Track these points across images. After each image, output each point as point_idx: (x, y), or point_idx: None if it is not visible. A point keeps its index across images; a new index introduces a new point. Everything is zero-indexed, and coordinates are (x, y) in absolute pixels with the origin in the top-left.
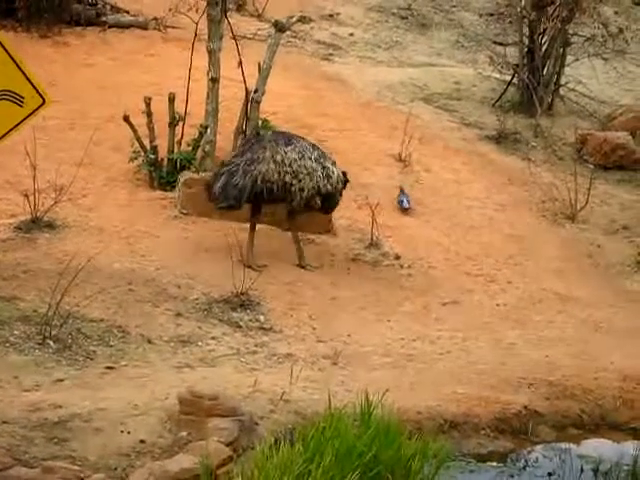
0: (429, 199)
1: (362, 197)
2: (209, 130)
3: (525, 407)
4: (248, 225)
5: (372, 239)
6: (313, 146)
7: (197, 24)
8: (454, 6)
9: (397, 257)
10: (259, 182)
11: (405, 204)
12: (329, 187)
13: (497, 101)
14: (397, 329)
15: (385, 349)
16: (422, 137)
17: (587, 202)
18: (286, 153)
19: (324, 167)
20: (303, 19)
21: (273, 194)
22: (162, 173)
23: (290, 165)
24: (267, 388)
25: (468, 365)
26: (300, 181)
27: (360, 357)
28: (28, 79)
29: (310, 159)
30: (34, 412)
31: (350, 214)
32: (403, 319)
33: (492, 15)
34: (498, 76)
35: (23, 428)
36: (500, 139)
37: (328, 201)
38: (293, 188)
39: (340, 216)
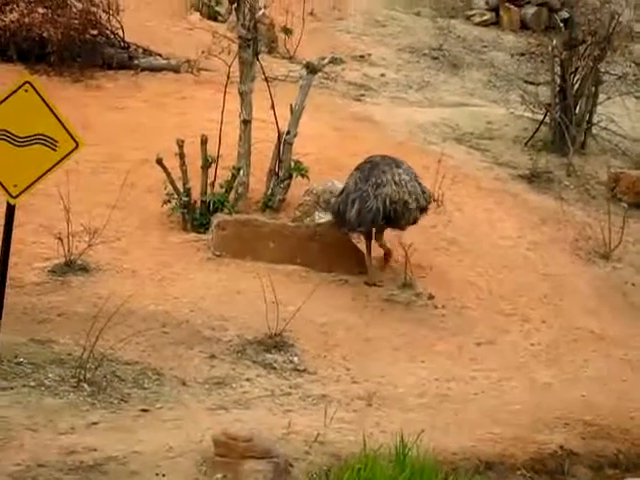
0: (462, 239)
1: (395, 237)
2: (242, 172)
3: (561, 447)
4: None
5: (406, 279)
6: (409, 166)
7: (229, 66)
8: (485, 46)
9: (431, 297)
10: (388, 204)
11: None
12: (425, 203)
13: (529, 140)
14: (431, 369)
15: (420, 390)
16: (455, 177)
17: (620, 241)
18: (400, 175)
19: (420, 184)
20: (335, 60)
21: (397, 214)
22: (195, 215)
23: (406, 185)
24: (302, 430)
25: (503, 405)
26: (415, 200)
27: (395, 398)
28: (61, 123)
29: (414, 179)
30: (69, 455)
31: (383, 254)
32: (437, 359)
33: (523, 55)
34: (530, 115)
35: (59, 471)
36: (533, 178)
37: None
38: (411, 207)
39: (373, 256)
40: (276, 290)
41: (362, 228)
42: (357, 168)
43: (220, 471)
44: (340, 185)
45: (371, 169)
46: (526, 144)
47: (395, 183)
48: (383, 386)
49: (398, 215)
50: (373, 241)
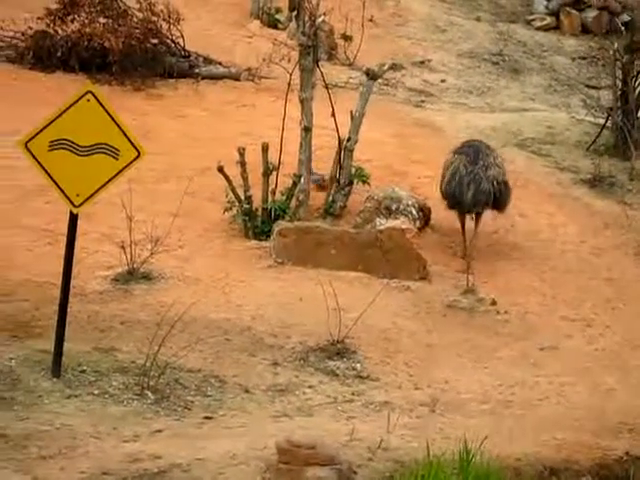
0: (524, 244)
1: (456, 243)
2: (302, 179)
3: (626, 453)
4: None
5: (468, 285)
6: None
7: (290, 74)
8: (546, 50)
9: (493, 303)
10: (495, 185)
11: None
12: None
13: (591, 145)
14: (495, 375)
15: (483, 395)
16: (516, 182)
17: None
18: (498, 157)
19: None
20: (395, 66)
21: (502, 195)
22: (257, 223)
23: (503, 167)
24: (365, 436)
25: (567, 411)
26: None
27: (458, 404)
28: (123, 132)
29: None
30: (133, 463)
31: (445, 260)
32: (500, 365)
33: (584, 59)
34: (592, 120)
35: (123, 479)
36: (595, 183)
37: None
38: (510, 188)
39: (435, 262)
40: (338, 297)
41: (477, 209)
42: (458, 152)
43: (283, 478)
44: (401, 191)
45: (475, 152)
46: (588, 148)
47: (497, 165)
48: (446, 392)
49: (503, 196)
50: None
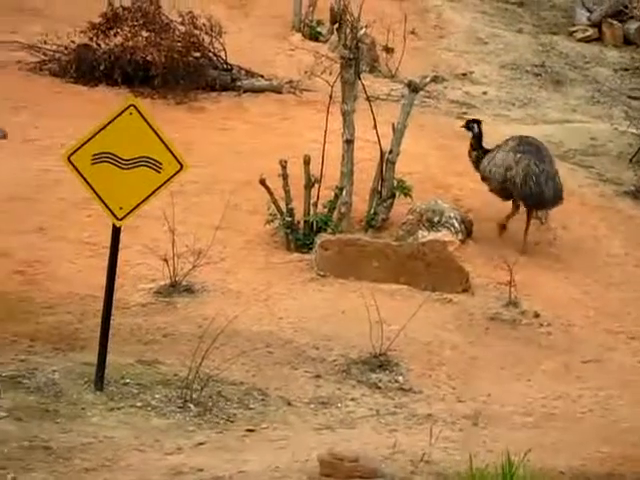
0: (567, 256)
1: (499, 255)
2: (345, 192)
3: None
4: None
5: (510, 297)
6: None
7: (332, 86)
8: (588, 62)
9: (536, 315)
10: (557, 180)
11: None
12: None
13: (634, 156)
14: (538, 388)
15: (526, 408)
16: None
17: None
18: (548, 150)
19: None
20: (436, 78)
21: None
22: (299, 235)
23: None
24: (407, 449)
25: (611, 424)
26: None
27: (501, 417)
28: (166, 145)
29: None
30: (176, 475)
31: (487, 272)
32: (543, 378)
33: (627, 70)
34: (634, 131)
35: None
36: (638, 194)
37: None
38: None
39: (477, 275)
40: (380, 309)
41: (556, 205)
42: (518, 151)
43: None
44: (444, 204)
45: (538, 149)
46: (631, 160)
47: (551, 162)
48: (489, 405)
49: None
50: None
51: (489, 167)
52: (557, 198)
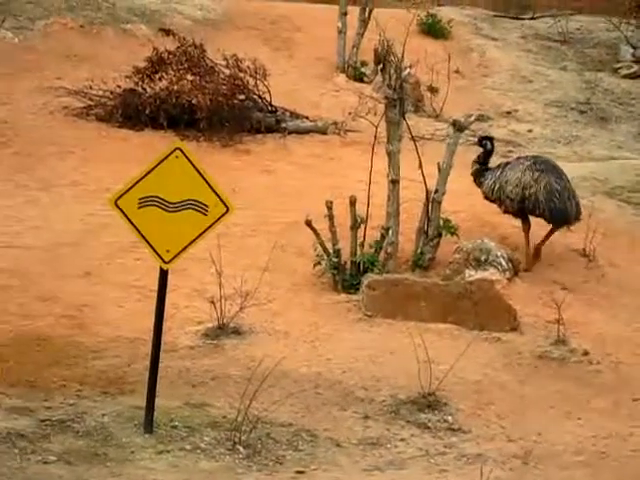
0: (616, 293)
1: (547, 293)
2: (391, 232)
3: None
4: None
5: (559, 335)
6: None
7: (376, 127)
8: (633, 98)
9: (585, 353)
10: (577, 197)
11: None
12: None
13: None
14: (588, 427)
15: (577, 447)
16: (606, 231)
17: None
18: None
19: None
20: (481, 117)
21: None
22: (345, 276)
23: None
24: None
25: None
26: None
27: (552, 456)
28: (212, 188)
29: None
30: None
31: (535, 311)
32: (594, 416)
33: None
34: None
35: None
36: None
37: None
38: None
39: (525, 313)
40: (428, 349)
41: (578, 221)
42: (536, 169)
43: None
44: (490, 243)
45: (553, 167)
46: None
47: (568, 179)
48: (539, 444)
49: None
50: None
51: (500, 186)
52: (579, 214)
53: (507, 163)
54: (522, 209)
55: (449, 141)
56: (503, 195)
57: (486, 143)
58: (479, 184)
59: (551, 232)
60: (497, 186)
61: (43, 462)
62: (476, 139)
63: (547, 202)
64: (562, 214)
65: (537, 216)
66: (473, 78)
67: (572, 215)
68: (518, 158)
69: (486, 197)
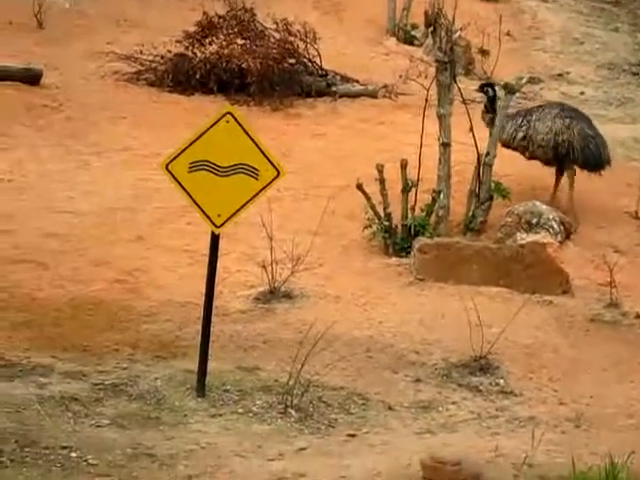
0: None
1: (599, 256)
2: (442, 195)
3: None
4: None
5: (611, 299)
6: None
7: (427, 90)
8: None
9: (638, 316)
10: (606, 143)
11: None
12: None
13: None
14: None
15: (629, 410)
16: None
17: None
18: None
19: None
20: (532, 80)
21: None
22: (396, 239)
23: None
24: (509, 452)
25: None
26: None
27: (603, 419)
28: (262, 152)
29: None
30: None
31: (587, 274)
32: None
33: None
34: None
35: None
36: None
37: None
38: None
39: (577, 276)
40: (480, 312)
41: (609, 166)
42: (567, 117)
43: None
44: (542, 205)
45: (580, 114)
46: None
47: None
48: (591, 407)
49: None
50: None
51: (527, 134)
52: (609, 160)
53: (529, 111)
54: (555, 155)
55: (500, 104)
56: (533, 145)
57: (487, 89)
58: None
59: (573, 178)
60: (521, 134)
61: (96, 426)
62: (478, 87)
63: (582, 148)
64: (596, 160)
65: (571, 162)
66: (524, 40)
67: (605, 161)
68: (541, 107)
69: (504, 144)
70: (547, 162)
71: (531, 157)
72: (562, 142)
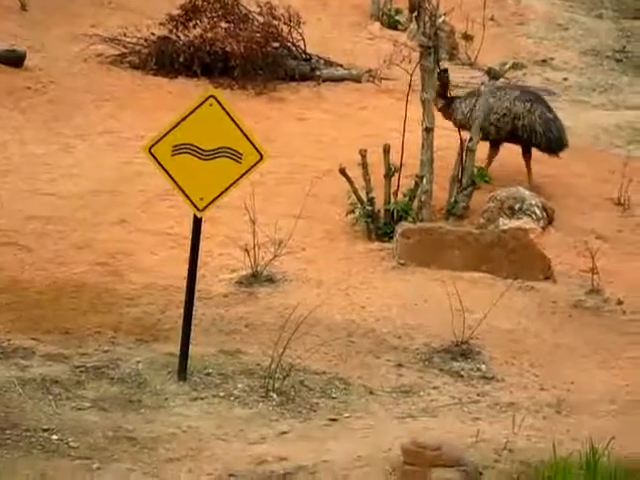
0: None
1: (581, 242)
2: (425, 180)
3: None
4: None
5: (593, 285)
6: None
7: (411, 75)
8: None
9: (619, 302)
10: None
11: None
12: None
13: None
14: (622, 376)
15: (610, 396)
16: None
17: None
18: None
19: None
20: (516, 65)
21: None
22: (379, 224)
23: None
24: (490, 437)
25: None
26: None
27: (585, 404)
28: (246, 136)
29: None
30: (260, 465)
31: (569, 260)
32: (628, 365)
33: None
34: None
35: None
36: None
37: None
38: None
39: (559, 262)
40: (462, 297)
41: (567, 148)
42: (525, 100)
43: None
44: (525, 191)
45: (540, 98)
46: None
47: None
48: (572, 393)
49: None
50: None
51: (480, 114)
52: (567, 143)
53: (479, 91)
54: (511, 138)
55: (484, 89)
56: (486, 122)
57: (446, 76)
58: (448, 116)
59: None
60: (475, 114)
61: (77, 408)
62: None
63: (546, 132)
64: (558, 143)
65: (532, 145)
66: (508, 26)
67: (565, 144)
68: (499, 88)
69: (461, 126)
70: (495, 142)
71: (484, 138)
72: (522, 126)
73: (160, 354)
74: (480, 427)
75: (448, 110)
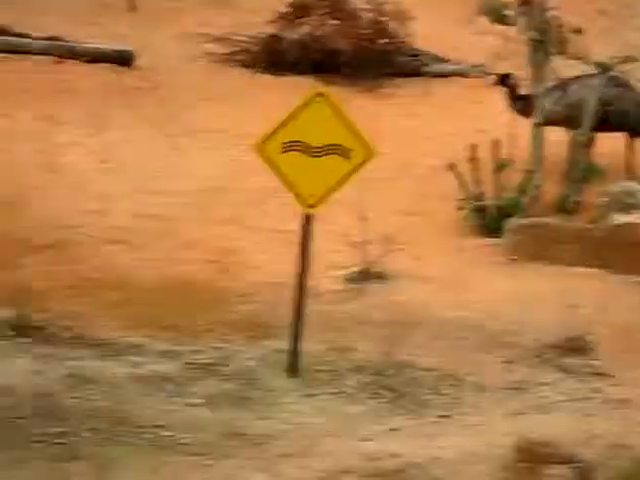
0: None
1: None
2: (535, 175)
3: None
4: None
5: None
6: None
7: (520, 70)
8: None
9: None
10: None
11: None
12: None
13: None
14: None
15: None
16: None
17: None
18: None
19: None
20: (627, 59)
21: None
22: (489, 220)
23: None
24: (603, 434)
25: None
26: None
27: None
28: (354, 133)
29: None
30: (372, 462)
31: None
32: None
33: None
34: None
35: (362, 477)
36: None
37: None
38: None
39: None
40: (573, 293)
41: None
42: (616, 85)
43: (521, 477)
44: (637, 186)
45: (627, 82)
46: None
47: None
48: None
49: None
50: None
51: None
52: None
53: (565, 84)
54: (602, 126)
55: (594, 82)
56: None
57: (507, 80)
58: (528, 114)
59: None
60: (560, 107)
61: (189, 405)
62: (492, 80)
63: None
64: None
65: (623, 130)
66: (619, 19)
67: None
68: (579, 77)
69: (548, 121)
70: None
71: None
72: (613, 111)
73: (271, 351)
74: (593, 424)
75: (528, 109)
